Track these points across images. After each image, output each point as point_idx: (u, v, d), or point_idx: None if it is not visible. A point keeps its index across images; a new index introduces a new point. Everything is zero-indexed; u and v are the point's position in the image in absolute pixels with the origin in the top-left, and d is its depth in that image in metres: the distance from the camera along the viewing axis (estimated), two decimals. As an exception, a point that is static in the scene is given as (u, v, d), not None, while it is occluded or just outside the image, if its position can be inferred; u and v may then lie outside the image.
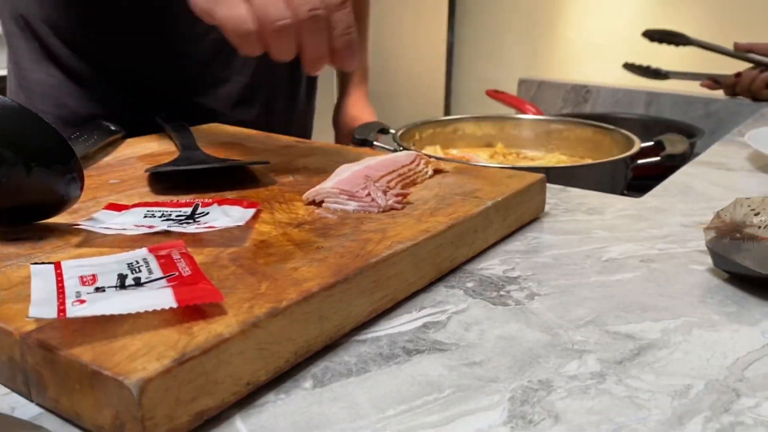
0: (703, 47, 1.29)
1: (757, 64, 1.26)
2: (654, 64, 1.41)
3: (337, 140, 1.15)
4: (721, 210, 0.49)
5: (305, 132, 1.04)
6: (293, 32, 0.52)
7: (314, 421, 0.32)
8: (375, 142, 0.99)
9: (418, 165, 0.59)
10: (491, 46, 2.50)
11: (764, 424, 0.32)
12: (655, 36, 1.34)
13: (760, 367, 0.36)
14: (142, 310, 0.32)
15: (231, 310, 0.34)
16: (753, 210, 0.47)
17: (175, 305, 0.32)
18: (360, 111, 1.12)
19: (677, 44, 1.32)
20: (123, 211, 0.48)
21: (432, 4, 2.55)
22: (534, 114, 1.28)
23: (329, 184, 0.51)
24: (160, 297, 0.33)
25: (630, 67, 1.41)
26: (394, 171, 0.56)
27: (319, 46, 0.53)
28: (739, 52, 1.27)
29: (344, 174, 0.54)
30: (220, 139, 0.74)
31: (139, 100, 0.84)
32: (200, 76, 0.87)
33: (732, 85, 1.29)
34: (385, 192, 0.51)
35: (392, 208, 0.49)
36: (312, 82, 1.01)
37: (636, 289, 0.46)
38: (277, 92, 0.94)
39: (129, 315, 0.32)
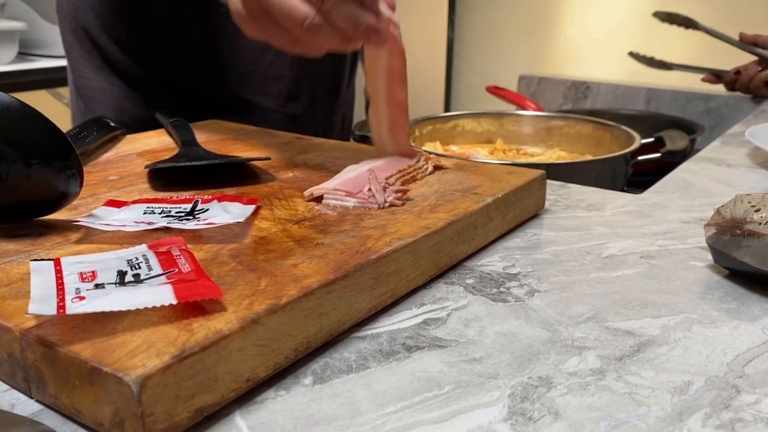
0: (709, 33, 1.30)
1: (760, 59, 1.26)
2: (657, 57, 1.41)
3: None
4: (721, 206, 0.49)
5: (350, 114, 1.06)
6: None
7: (314, 418, 0.32)
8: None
9: (417, 161, 0.59)
10: (491, 43, 2.50)
11: (764, 421, 0.32)
12: (665, 17, 1.36)
13: (760, 364, 0.36)
14: (141, 307, 0.32)
15: (231, 307, 0.34)
16: (753, 206, 0.47)
17: (174, 302, 0.32)
18: None
19: (687, 27, 1.33)
20: (122, 208, 0.48)
21: (432, 0, 2.54)
22: (534, 110, 1.27)
23: (332, 184, 0.51)
24: (160, 293, 0.33)
25: (635, 56, 1.42)
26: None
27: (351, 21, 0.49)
28: (744, 43, 1.27)
29: (350, 174, 0.53)
30: (220, 135, 0.74)
31: (194, 100, 0.87)
32: (251, 74, 0.89)
33: (732, 82, 1.29)
34: (384, 188, 0.50)
35: (392, 205, 0.49)
36: (353, 61, 1.03)
37: (636, 285, 0.46)
38: (320, 83, 0.96)
39: (128, 311, 0.32)
